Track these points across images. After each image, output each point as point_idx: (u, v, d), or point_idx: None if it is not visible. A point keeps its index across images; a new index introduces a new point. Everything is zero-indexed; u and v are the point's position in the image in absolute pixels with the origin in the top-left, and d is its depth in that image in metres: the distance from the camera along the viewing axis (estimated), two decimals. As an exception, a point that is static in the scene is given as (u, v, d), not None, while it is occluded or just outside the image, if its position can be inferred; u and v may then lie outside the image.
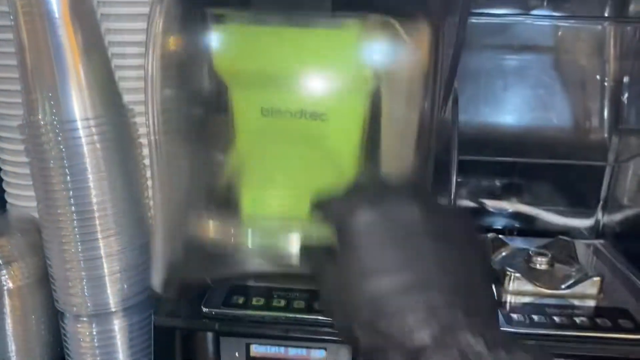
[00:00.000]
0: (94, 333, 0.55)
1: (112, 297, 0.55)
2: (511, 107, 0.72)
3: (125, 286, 0.56)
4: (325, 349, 0.50)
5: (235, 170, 0.50)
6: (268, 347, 0.51)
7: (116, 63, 0.54)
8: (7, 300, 0.58)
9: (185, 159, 0.49)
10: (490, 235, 0.63)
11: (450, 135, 0.51)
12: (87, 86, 0.51)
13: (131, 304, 0.56)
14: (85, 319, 0.55)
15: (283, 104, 0.47)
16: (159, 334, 0.50)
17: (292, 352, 0.51)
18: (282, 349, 0.51)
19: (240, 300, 0.50)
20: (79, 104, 0.50)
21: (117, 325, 0.56)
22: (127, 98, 0.55)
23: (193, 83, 0.48)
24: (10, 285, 0.58)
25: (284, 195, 0.49)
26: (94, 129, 0.51)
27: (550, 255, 0.58)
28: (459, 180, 0.75)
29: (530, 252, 0.59)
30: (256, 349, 0.52)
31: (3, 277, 0.58)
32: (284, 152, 0.48)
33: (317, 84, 0.45)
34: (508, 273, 0.54)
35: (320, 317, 0.50)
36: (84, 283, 0.54)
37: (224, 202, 0.51)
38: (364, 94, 0.45)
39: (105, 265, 0.54)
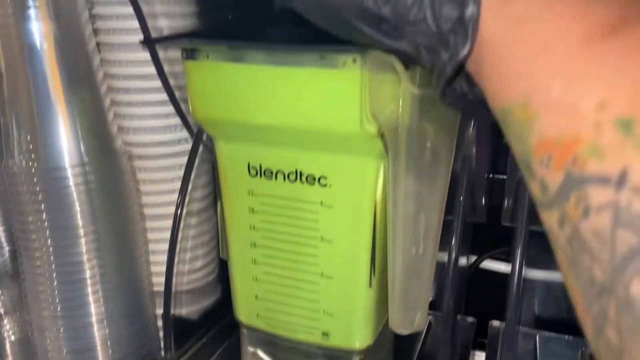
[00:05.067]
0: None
1: (101, 369, 0.48)
2: None
3: (116, 358, 0.48)
4: None
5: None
6: None
7: (114, 99, 0.46)
8: (9, 351, 0.54)
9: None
10: None
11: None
12: (72, 126, 0.44)
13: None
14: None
15: (273, 162, 0.36)
16: None
17: None
18: None
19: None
20: (62, 148, 0.43)
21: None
22: (127, 139, 0.47)
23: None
24: (12, 337, 0.53)
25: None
26: (79, 178, 0.44)
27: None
28: None
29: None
30: None
31: (4, 328, 0.53)
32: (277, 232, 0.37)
33: (312, 137, 0.34)
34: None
35: None
36: (65, 354, 0.46)
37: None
38: (373, 153, 0.33)
39: (92, 334, 0.47)
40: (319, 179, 0.35)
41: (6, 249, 0.54)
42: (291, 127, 0.33)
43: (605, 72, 0.16)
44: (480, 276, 0.60)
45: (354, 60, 0.30)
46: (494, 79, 0.20)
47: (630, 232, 0.15)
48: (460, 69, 0.21)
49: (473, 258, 0.61)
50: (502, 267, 0.60)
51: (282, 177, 0.36)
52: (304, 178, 0.35)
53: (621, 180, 0.15)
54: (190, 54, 0.34)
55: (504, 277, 0.56)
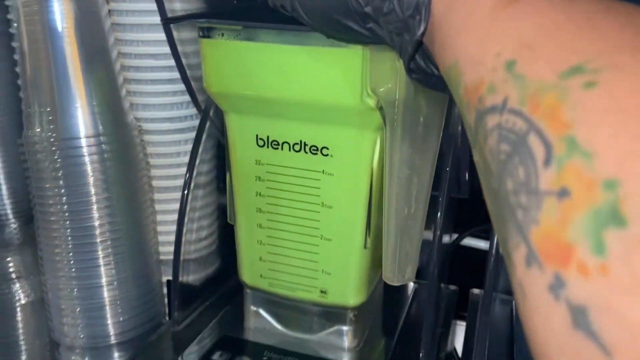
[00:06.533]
0: (88, 366, 0.51)
1: (110, 330, 0.51)
2: None
3: (124, 318, 0.51)
4: None
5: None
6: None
7: (126, 76, 0.49)
8: (20, 316, 0.57)
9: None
10: None
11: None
12: (88, 101, 0.47)
13: (130, 337, 0.52)
14: (78, 350, 0.51)
15: (280, 133, 0.39)
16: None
17: None
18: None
19: (223, 358, 0.44)
20: (79, 120, 0.47)
21: None
22: (137, 114, 0.50)
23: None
24: (22, 300, 0.56)
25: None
26: (94, 148, 0.47)
27: None
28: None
29: None
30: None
31: (16, 292, 0.56)
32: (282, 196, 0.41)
33: (316, 110, 0.37)
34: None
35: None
36: (78, 312, 0.50)
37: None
38: (372, 125, 0.36)
39: (103, 295, 0.50)
40: (322, 149, 0.38)
41: (15, 224, 0.57)
42: (297, 100, 0.37)
43: (504, 30, 0.21)
44: (462, 252, 0.64)
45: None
46: (439, 50, 0.24)
47: (506, 144, 0.19)
48: (419, 47, 0.25)
49: (455, 236, 0.65)
50: (482, 244, 0.64)
51: (288, 147, 0.39)
52: (308, 148, 0.39)
53: (503, 105, 0.19)
54: (206, 33, 0.38)
55: (484, 253, 0.60)
